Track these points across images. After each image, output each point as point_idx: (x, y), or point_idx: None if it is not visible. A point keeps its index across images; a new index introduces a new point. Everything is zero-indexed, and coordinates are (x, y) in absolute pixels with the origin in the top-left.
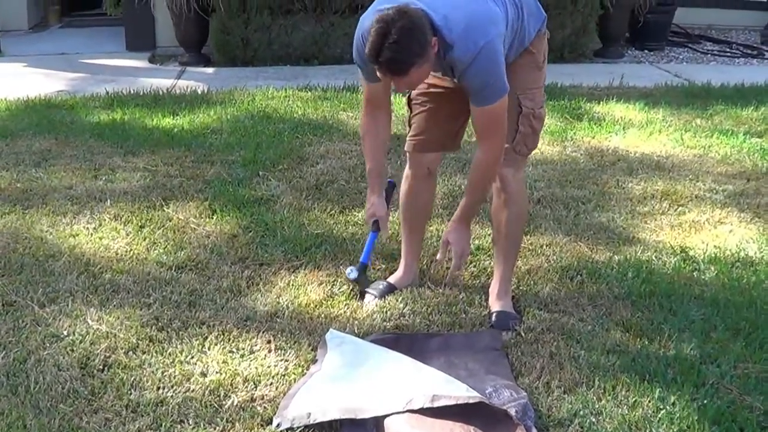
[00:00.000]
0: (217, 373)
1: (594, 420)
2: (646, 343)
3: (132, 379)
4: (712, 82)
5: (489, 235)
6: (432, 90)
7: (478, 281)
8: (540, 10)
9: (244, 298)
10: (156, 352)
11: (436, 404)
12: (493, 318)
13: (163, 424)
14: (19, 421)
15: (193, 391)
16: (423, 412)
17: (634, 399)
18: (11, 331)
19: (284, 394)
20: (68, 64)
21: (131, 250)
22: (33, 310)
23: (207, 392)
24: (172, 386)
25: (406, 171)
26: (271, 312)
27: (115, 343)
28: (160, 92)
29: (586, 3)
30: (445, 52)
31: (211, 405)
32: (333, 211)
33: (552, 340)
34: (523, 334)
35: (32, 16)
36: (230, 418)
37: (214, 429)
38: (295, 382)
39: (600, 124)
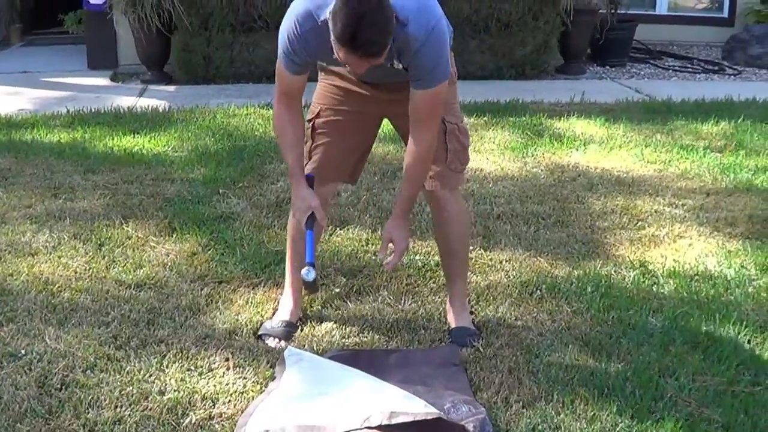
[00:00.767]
0: (175, 391)
1: None
2: (605, 357)
3: (90, 397)
4: (672, 98)
5: None
6: (338, 118)
7: (437, 297)
8: (449, 25)
9: (203, 315)
10: (114, 370)
11: (393, 421)
12: (452, 334)
13: None
14: None
15: (150, 409)
16: (381, 429)
17: (592, 413)
18: None
19: (242, 412)
20: (30, 83)
21: (90, 268)
22: None
23: (165, 410)
24: (130, 405)
25: (292, 200)
26: (230, 330)
27: (73, 361)
28: (122, 110)
29: (548, 20)
30: (398, 29)
31: (169, 423)
32: None
33: (511, 355)
34: (482, 350)
35: None
36: None
37: None
38: (253, 399)
39: (561, 140)
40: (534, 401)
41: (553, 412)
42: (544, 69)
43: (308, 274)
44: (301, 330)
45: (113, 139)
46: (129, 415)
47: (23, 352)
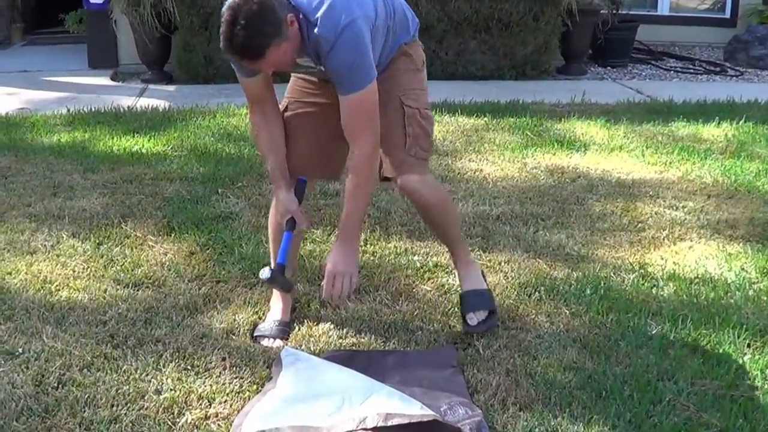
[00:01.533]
0: (171, 390)
1: None
2: (603, 359)
3: (86, 396)
4: (674, 99)
5: (446, 252)
6: (307, 110)
7: (435, 297)
8: (413, 15)
9: (200, 315)
10: (110, 369)
11: (389, 423)
12: (462, 302)
13: None
14: None
15: (147, 408)
16: (376, 430)
17: (590, 416)
18: None
19: (238, 412)
20: (30, 82)
21: (88, 267)
22: None
23: (161, 410)
24: (126, 404)
25: (274, 200)
26: (227, 329)
27: (70, 360)
28: (122, 110)
29: (549, 20)
30: (309, 31)
31: (165, 423)
32: None
33: (509, 357)
34: (481, 351)
35: None
36: None
37: None
38: (250, 399)
39: (561, 141)
40: (531, 404)
41: (550, 415)
42: (545, 69)
43: (263, 272)
44: (298, 330)
45: (113, 138)
46: (125, 414)
47: (20, 350)
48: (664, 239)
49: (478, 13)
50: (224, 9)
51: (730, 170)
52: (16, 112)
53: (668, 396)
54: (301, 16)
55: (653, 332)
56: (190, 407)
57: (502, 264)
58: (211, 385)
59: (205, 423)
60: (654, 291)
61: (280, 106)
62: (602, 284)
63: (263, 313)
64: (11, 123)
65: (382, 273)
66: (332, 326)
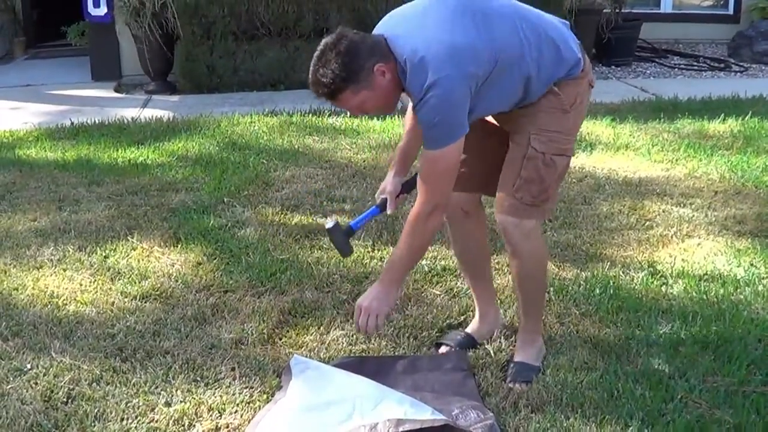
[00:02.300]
0: (181, 402)
1: None
2: (614, 359)
3: (96, 410)
4: (679, 96)
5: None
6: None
7: (444, 301)
8: (572, 51)
9: (208, 326)
10: (120, 382)
11: (400, 429)
12: (509, 368)
13: None
14: None
15: (157, 421)
16: None
17: (602, 416)
18: None
19: (249, 422)
20: (34, 96)
21: (95, 280)
22: None
23: (171, 422)
24: (136, 417)
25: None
26: (236, 339)
27: (79, 375)
28: (125, 121)
29: None
30: (405, 81)
31: None
32: (298, 236)
33: None
34: (492, 354)
35: None
36: None
37: None
38: (260, 409)
39: None
40: (543, 405)
41: (562, 417)
42: None
43: (328, 222)
44: (308, 337)
45: (117, 150)
46: (135, 427)
47: (29, 366)
48: (672, 237)
49: None
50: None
51: (737, 166)
52: (20, 127)
53: (680, 394)
54: (399, 65)
55: (663, 330)
56: (201, 419)
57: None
58: (221, 396)
59: None
60: (663, 289)
61: None
62: (611, 283)
63: (271, 322)
64: (15, 137)
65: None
66: (342, 332)
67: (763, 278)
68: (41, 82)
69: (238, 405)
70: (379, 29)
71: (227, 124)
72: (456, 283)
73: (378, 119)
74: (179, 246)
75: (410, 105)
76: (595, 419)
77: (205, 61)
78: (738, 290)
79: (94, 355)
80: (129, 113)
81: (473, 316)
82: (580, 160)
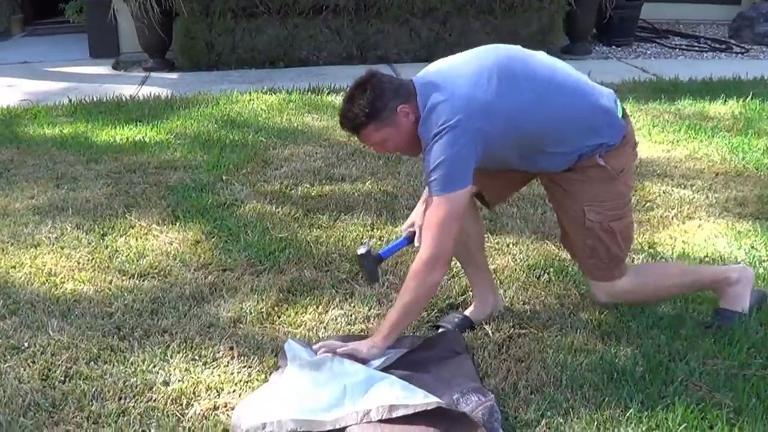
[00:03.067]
0: (179, 381)
1: (561, 420)
2: (614, 341)
3: (93, 389)
4: (680, 77)
5: None
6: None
7: (443, 281)
8: (611, 124)
9: (206, 304)
10: (117, 361)
11: (394, 414)
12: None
13: None
14: None
15: (155, 400)
16: (383, 421)
17: (602, 398)
18: None
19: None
20: (31, 73)
21: (93, 258)
22: None
23: (169, 401)
24: (134, 396)
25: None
26: (234, 318)
27: (77, 353)
28: (124, 99)
29: (552, 0)
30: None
31: (173, 414)
32: (297, 215)
33: (519, 340)
34: (490, 335)
35: None
36: (193, 427)
37: None
38: (258, 389)
39: None
40: (542, 387)
41: (561, 398)
42: (549, 49)
43: (361, 247)
44: (306, 316)
45: (115, 127)
46: (133, 406)
47: (26, 344)
48: (672, 218)
49: None
50: None
51: (738, 148)
52: (17, 104)
53: (680, 376)
54: (420, 108)
55: (664, 312)
56: (199, 398)
57: (510, 246)
58: (219, 375)
59: (213, 414)
60: None
61: None
62: None
63: (270, 300)
64: (13, 115)
65: (390, 258)
66: (340, 312)
67: (763, 261)
68: (39, 59)
69: (236, 384)
70: (422, 73)
71: (226, 101)
72: (455, 263)
73: None
74: (177, 224)
75: None
76: (594, 401)
77: (203, 38)
78: None
79: (91, 334)
80: (127, 90)
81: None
82: None
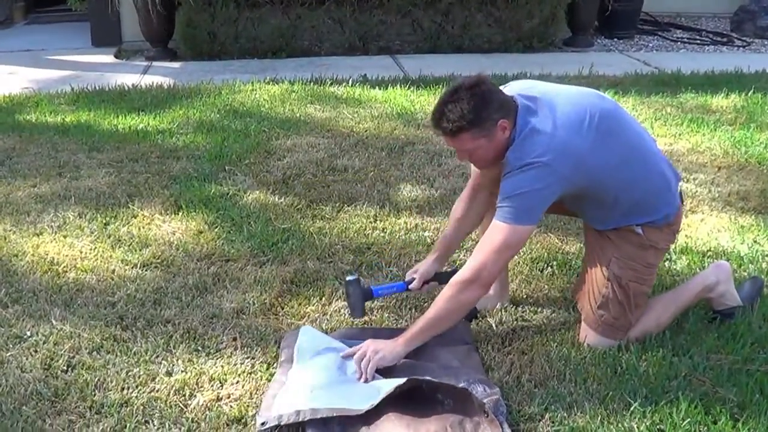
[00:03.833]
0: (182, 372)
1: (565, 414)
2: None
3: (96, 379)
4: (682, 70)
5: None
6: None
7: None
8: (668, 210)
9: (209, 295)
10: (120, 351)
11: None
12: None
13: (128, 425)
14: None
15: (158, 391)
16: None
17: (605, 392)
18: None
19: (250, 394)
20: (33, 61)
21: (96, 248)
22: None
23: (172, 392)
24: (137, 386)
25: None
26: (238, 309)
27: (79, 343)
28: (126, 88)
29: None
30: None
31: (176, 405)
32: (300, 206)
33: (522, 333)
34: (494, 327)
35: None
36: (196, 418)
37: (180, 429)
38: (262, 379)
39: None
40: (546, 380)
41: (565, 392)
42: (551, 42)
43: (350, 275)
44: (309, 307)
45: (118, 116)
46: (136, 396)
47: (29, 333)
48: None
49: None
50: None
51: (740, 141)
52: (19, 92)
53: (684, 371)
54: (516, 128)
55: None
56: (202, 389)
57: None
58: (222, 366)
59: (217, 404)
60: (667, 264)
61: None
62: None
63: (273, 291)
64: (15, 102)
65: (393, 249)
66: (343, 304)
67: (766, 255)
68: (41, 47)
69: (239, 375)
70: (523, 90)
71: (228, 91)
72: (459, 256)
73: (379, 88)
74: (180, 214)
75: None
76: (598, 395)
77: (206, 27)
78: (741, 267)
79: (94, 324)
80: (129, 79)
81: None
82: None
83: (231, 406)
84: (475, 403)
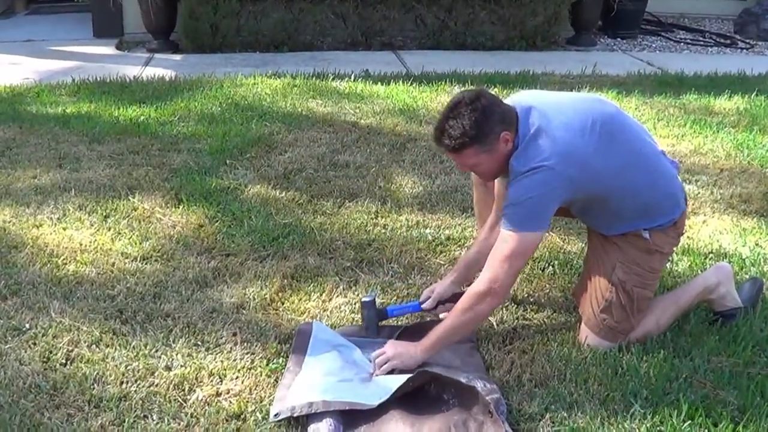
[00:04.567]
0: (181, 366)
1: (566, 414)
2: None
3: (95, 373)
4: (685, 71)
5: (458, 225)
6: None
7: (447, 270)
8: (673, 213)
9: (209, 289)
10: (119, 345)
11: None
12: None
13: (127, 419)
14: None
15: (157, 385)
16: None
17: (606, 393)
18: None
19: (250, 389)
20: (34, 52)
21: (95, 240)
22: None
23: (171, 386)
24: (136, 380)
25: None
26: (237, 304)
27: (78, 336)
28: (127, 79)
29: None
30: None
31: (175, 400)
32: (301, 200)
33: (523, 333)
34: (495, 326)
35: None
36: (195, 413)
37: (179, 424)
38: (261, 375)
39: None
40: (546, 380)
41: (565, 392)
42: (555, 40)
43: (367, 296)
44: (310, 303)
45: (119, 108)
46: (135, 390)
47: (27, 326)
48: None
49: None
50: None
51: (743, 144)
52: (20, 82)
53: (685, 373)
54: (518, 136)
55: None
56: (201, 384)
57: None
58: (221, 361)
59: (216, 400)
60: (669, 266)
61: None
62: None
63: (273, 286)
64: (15, 93)
65: (394, 246)
66: (344, 300)
67: None
68: (42, 38)
69: (239, 371)
70: (522, 100)
71: (230, 84)
72: (460, 253)
73: (382, 84)
74: (181, 207)
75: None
76: (599, 396)
77: (208, 20)
78: (743, 270)
79: (93, 317)
80: (131, 71)
81: None
82: None
83: (230, 402)
84: (480, 402)
